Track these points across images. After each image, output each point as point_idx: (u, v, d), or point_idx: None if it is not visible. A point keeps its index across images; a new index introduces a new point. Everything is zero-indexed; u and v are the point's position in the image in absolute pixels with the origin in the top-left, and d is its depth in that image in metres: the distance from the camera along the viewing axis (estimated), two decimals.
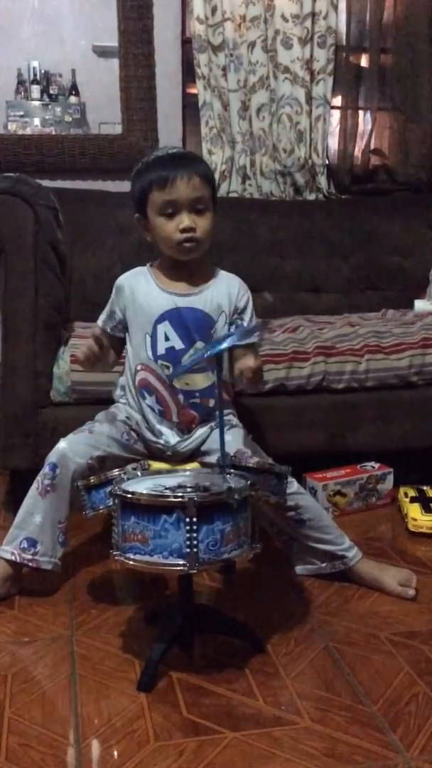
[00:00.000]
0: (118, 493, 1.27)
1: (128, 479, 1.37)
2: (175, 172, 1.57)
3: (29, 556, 1.58)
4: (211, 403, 1.66)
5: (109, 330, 1.71)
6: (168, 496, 1.24)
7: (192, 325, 1.63)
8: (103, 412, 1.73)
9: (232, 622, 1.45)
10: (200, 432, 1.67)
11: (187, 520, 1.20)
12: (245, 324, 1.70)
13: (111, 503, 1.32)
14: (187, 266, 1.67)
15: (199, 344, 1.62)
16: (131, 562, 1.26)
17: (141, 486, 1.32)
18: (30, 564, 1.58)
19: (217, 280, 1.71)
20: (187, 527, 1.20)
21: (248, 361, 1.55)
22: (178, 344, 1.63)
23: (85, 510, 1.48)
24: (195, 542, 1.21)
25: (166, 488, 1.30)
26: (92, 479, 1.47)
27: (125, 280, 1.71)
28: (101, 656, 1.39)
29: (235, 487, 1.25)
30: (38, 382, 1.97)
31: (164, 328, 1.64)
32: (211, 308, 1.67)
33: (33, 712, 1.23)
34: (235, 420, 1.73)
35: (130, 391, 1.71)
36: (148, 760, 1.11)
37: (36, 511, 1.59)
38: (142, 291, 1.67)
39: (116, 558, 1.28)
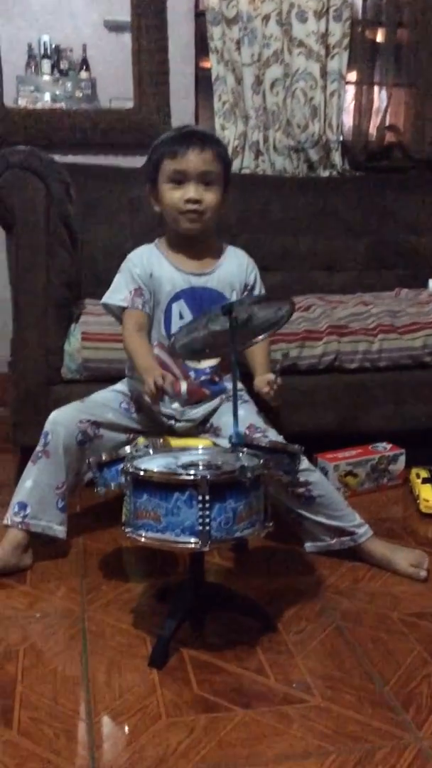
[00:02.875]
0: (131, 470, 1.27)
1: (140, 456, 1.37)
2: (189, 143, 1.61)
3: (19, 519, 1.61)
4: (220, 379, 1.70)
5: (140, 307, 1.68)
6: (181, 474, 1.24)
7: (206, 303, 1.65)
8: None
9: (243, 600, 1.45)
10: (210, 402, 1.70)
11: (200, 498, 1.20)
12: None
13: (123, 480, 1.32)
14: (195, 243, 1.68)
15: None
16: (143, 539, 1.26)
17: (153, 464, 1.31)
18: (20, 527, 1.61)
19: (227, 256, 1.75)
20: (200, 505, 1.20)
21: (267, 376, 1.62)
22: None
23: (96, 487, 1.48)
24: (207, 520, 1.21)
25: (179, 466, 1.29)
26: (104, 456, 1.47)
27: (138, 258, 1.71)
28: (112, 632, 1.40)
29: (247, 466, 1.25)
30: (49, 360, 1.97)
31: (179, 306, 1.68)
32: (223, 286, 1.71)
33: (45, 687, 1.24)
34: (246, 396, 1.74)
35: None
36: (159, 735, 1.11)
37: (28, 477, 1.63)
38: (157, 270, 1.69)
39: (128, 535, 1.28)
